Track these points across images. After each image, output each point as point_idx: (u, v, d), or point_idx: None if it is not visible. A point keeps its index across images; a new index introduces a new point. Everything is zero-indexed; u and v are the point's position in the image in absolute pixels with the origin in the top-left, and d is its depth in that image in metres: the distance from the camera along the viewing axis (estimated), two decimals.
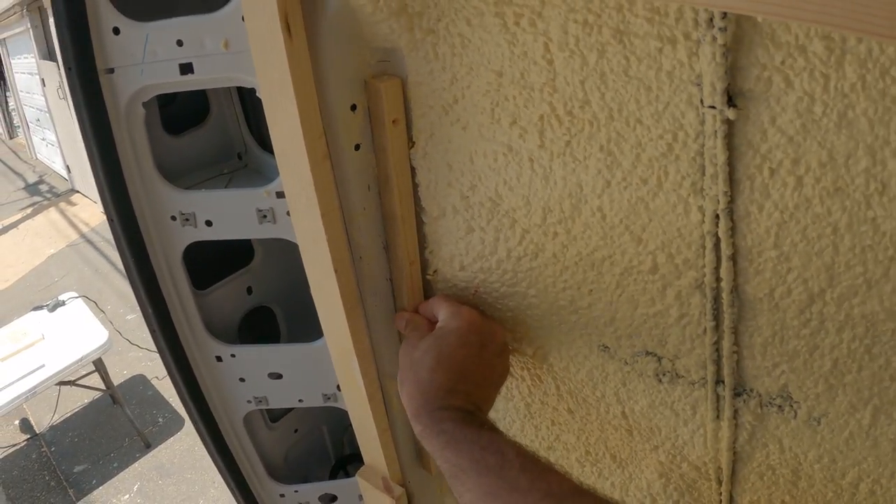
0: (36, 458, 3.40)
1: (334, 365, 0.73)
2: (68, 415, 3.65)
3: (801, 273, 0.47)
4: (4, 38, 7.94)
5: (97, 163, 0.71)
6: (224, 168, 0.92)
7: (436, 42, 0.55)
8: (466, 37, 0.53)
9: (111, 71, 0.68)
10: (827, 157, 0.42)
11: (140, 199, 0.75)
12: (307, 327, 0.91)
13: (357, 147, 0.61)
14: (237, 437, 0.94)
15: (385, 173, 0.62)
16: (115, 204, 0.74)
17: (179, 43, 0.66)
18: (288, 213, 0.72)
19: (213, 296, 0.90)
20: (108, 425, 3.56)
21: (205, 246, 0.78)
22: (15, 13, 6.85)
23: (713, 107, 0.43)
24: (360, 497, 0.88)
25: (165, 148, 0.85)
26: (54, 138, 7.34)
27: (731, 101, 0.43)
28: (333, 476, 1.12)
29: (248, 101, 0.92)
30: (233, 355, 0.85)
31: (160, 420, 3.57)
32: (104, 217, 0.76)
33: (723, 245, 0.49)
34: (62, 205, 6.94)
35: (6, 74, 8.81)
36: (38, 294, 4.92)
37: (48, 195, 7.38)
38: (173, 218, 0.76)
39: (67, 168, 7.26)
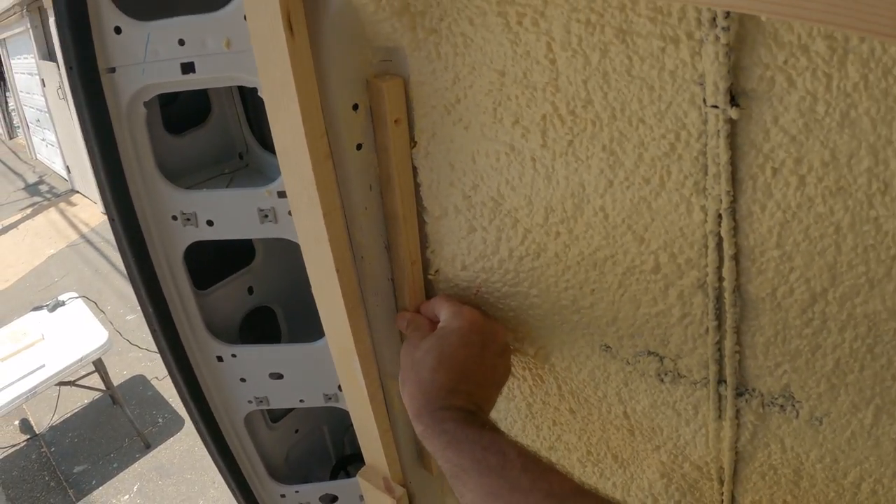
0: (36, 459, 3.40)
1: (335, 365, 0.73)
2: (68, 415, 3.65)
3: (804, 272, 0.47)
4: (4, 39, 7.94)
5: (98, 162, 0.71)
6: (225, 168, 0.92)
7: (438, 41, 0.55)
8: (469, 36, 0.53)
9: (112, 70, 0.68)
10: (829, 157, 0.42)
11: (141, 198, 0.75)
12: (308, 327, 0.91)
13: (359, 146, 0.61)
14: (238, 437, 0.94)
15: (387, 173, 0.62)
16: (117, 203, 0.74)
17: (181, 42, 0.66)
18: (289, 213, 0.72)
19: (214, 296, 0.90)
20: (108, 426, 3.56)
21: (206, 246, 0.78)
22: (15, 13, 6.85)
23: (716, 106, 0.43)
24: (361, 497, 0.88)
25: (167, 147, 0.85)
26: (54, 138, 7.34)
27: (733, 101, 0.43)
28: (334, 476, 1.12)
29: (250, 100, 0.92)
30: (234, 355, 0.85)
31: (160, 420, 3.57)
32: (104, 217, 0.77)
33: (725, 244, 0.49)
34: (62, 205, 6.94)
35: (6, 75, 8.81)
36: (38, 294, 4.92)
37: (48, 195, 7.38)
38: (174, 218, 0.76)
39: (67, 168, 7.26)
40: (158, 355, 0.86)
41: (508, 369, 0.66)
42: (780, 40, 0.39)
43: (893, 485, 0.53)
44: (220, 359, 0.86)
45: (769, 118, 0.42)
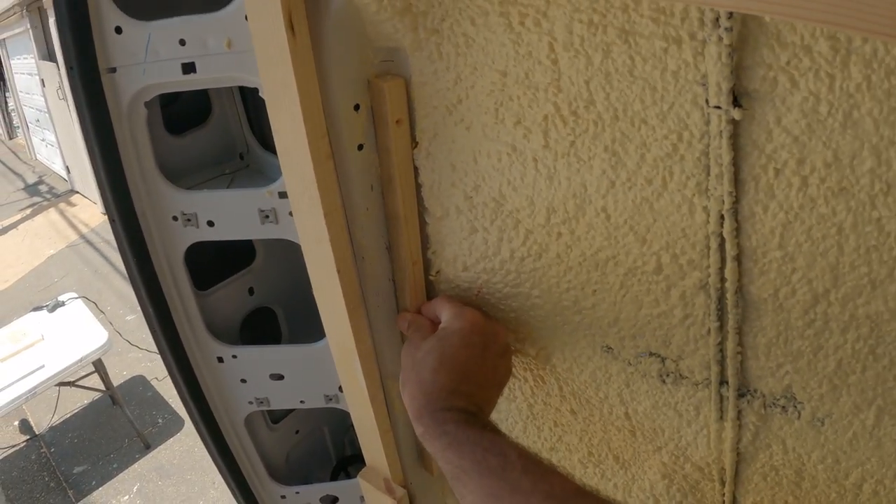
0: (35, 459, 3.40)
1: (336, 365, 0.73)
2: (68, 416, 3.65)
3: (806, 273, 0.47)
4: (4, 39, 7.94)
5: (99, 163, 0.71)
6: (226, 168, 0.92)
7: (440, 42, 0.55)
8: (471, 36, 0.53)
9: (113, 70, 0.68)
10: (832, 158, 0.42)
11: (142, 199, 0.75)
12: (309, 328, 0.90)
13: (360, 147, 0.60)
14: (238, 438, 0.94)
15: (388, 173, 0.62)
16: (117, 204, 0.74)
17: (182, 42, 0.65)
18: (290, 214, 0.72)
19: (214, 296, 0.90)
20: (108, 426, 3.56)
21: (206, 246, 0.78)
22: (15, 13, 6.85)
23: (718, 107, 0.43)
24: (362, 498, 0.88)
25: (167, 148, 0.85)
26: (54, 139, 7.34)
27: (736, 102, 0.42)
28: (334, 477, 1.11)
29: (250, 100, 0.92)
30: (234, 356, 0.85)
31: (160, 421, 3.57)
32: (104, 217, 0.77)
33: (727, 245, 0.49)
34: (62, 205, 6.94)
35: (6, 75, 8.81)
36: (37, 295, 4.91)
37: (48, 196, 7.37)
38: (175, 218, 0.76)
39: (67, 169, 7.26)
40: (158, 356, 0.86)
41: (509, 370, 0.66)
42: (782, 41, 0.39)
43: (895, 486, 0.53)
44: (220, 360, 0.86)
45: (772, 119, 0.42)
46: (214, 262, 0.90)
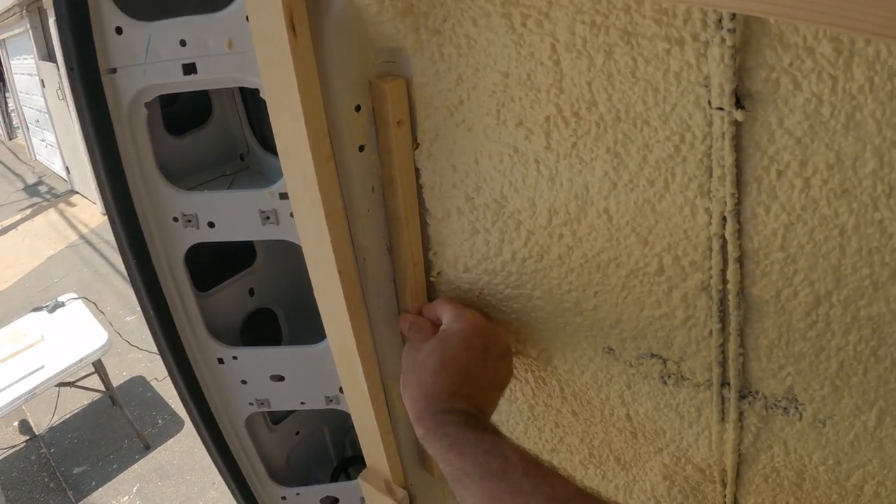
0: (35, 460, 3.40)
1: (337, 366, 0.73)
2: (68, 416, 3.64)
3: (808, 275, 0.47)
4: (4, 39, 7.93)
5: (99, 164, 0.71)
6: (226, 169, 0.92)
7: (441, 43, 0.55)
8: (472, 37, 0.53)
9: (113, 71, 0.68)
10: (834, 159, 0.41)
11: (142, 200, 0.75)
12: (309, 329, 0.90)
13: (361, 148, 0.60)
14: (238, 439, 0.94)
15: (389, 175, 0.62)
16: (117, 205, 0.74)
17: (182, 43, 0.65)
18: (291, 215, 0.72)
19: (214, 297, 0.90)
20: (108, 427, 3.55)
21: (207, 247, 0.78)
22: (14, 14, 6.84)
23: (721, 108, 0.43)
24: (362, 499, 0.88)
25: (168, 149, 0.85)
26: (54, 139, 7.34)
27: (738, 103, 0.42)
28: (335, 478, 1.11)
29: (251, 101, 0.92)
30: (234, 357, 0.85)
31: (160, 422, 3.56)
32: (103, 218, 0.77)
33: (729, 247, 0.49)
34: (61, 206, 6.94)
35: (5, 75, 8.81)
36: (37, 295, 4.91)
37: (47, 196, 7.37)
38: (175, 219, 0.76)
39: (67, 169, 7.26)
40: (158, 356, 0.86)
41: (510, 372, 0.66)
42: (785, 42, 0.39)
43: None
44: (220, 361, 0.86)
45: (774, 120, 0.42)
46: (215, 262, 0.89)
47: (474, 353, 0.61)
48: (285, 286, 1.00)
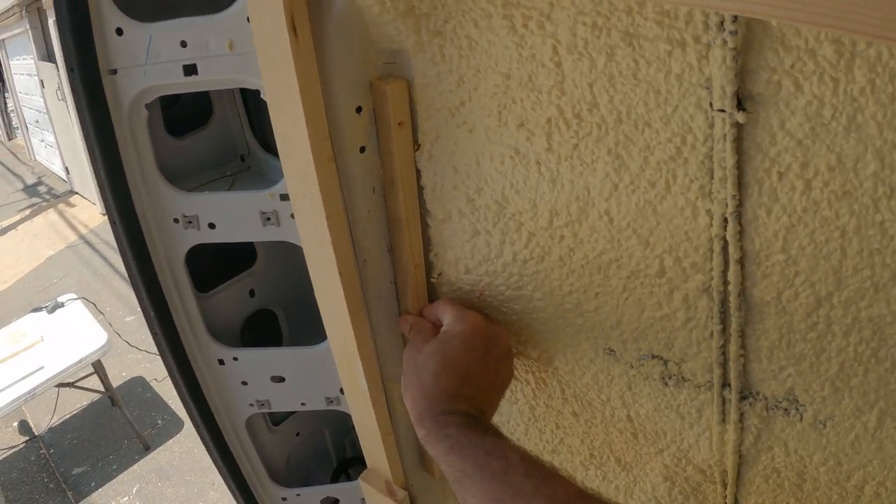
0: (35, 460, 3.39)
1: (338, 368, 0.73)
2: (67, 417, 3.64)
3: (809, 276, 0.47)
4: (3, 40, 7.93)
5: (99, 165, 0.71)
6: (227, 170, 0.92)
7: (443, 44, 0.55)
8: (474, 39, 0.53)
9: (114, 72, 0.68)
10: (836, 161, 0.42)
11: (142, 201, 0.75)
12: (310, 330, 0.90)
13: (362, 149, 0.60)
14: (239, 440, 0.94)
15: (390, 176, 0.62)
16: (118, 206, 0.74)
17: (183, 44, 0.65)
18: (292, 216, 0.72)
19: (215, 298, 0.90)
20: (107, 427, 3.55)
21: (207, 248, 0.78)
22: (14, 14, 6.84)
23: (722, 110, 0.43)
24: (363, 500, 0.87)
25: (168, 150, 0.85)
26: (53, 140, 7.33)
27: (740, 105, 0.42)
28: (335, 479, 1.11)
29: (251, 102, 0.92)
30: (235, 358, 0.85)
31: (159, 422, 3.56)
32: (103, 218, 0.76)
33: (730, 248, 0.49)
34: (61, 206, 6.94)
35: (5, 76, 8.80)
36: (36, 296, 4.91)
37: (47, 197, 7.37)
38: (176, 220, 0.76)
39: (66, 169, 7.25)
40: (158, 357, 0.86)
41: (511, 374, 0.66)
42: (787, 44, 0.39)
43: None
44: (221, 362, 0.86)
45: (776, 122, 0.42)
46: (215, 263, 0.89)
47: (475, 355, 0.61)
48: (286, 287, 1.00)
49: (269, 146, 0.92)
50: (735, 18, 0.39)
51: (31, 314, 3.37)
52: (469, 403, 0.58)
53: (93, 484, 3.19)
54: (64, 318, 3.30)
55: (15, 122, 9.55)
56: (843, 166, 0.41)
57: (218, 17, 0.64)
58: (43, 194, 7.48)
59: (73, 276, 5.29)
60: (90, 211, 6.56)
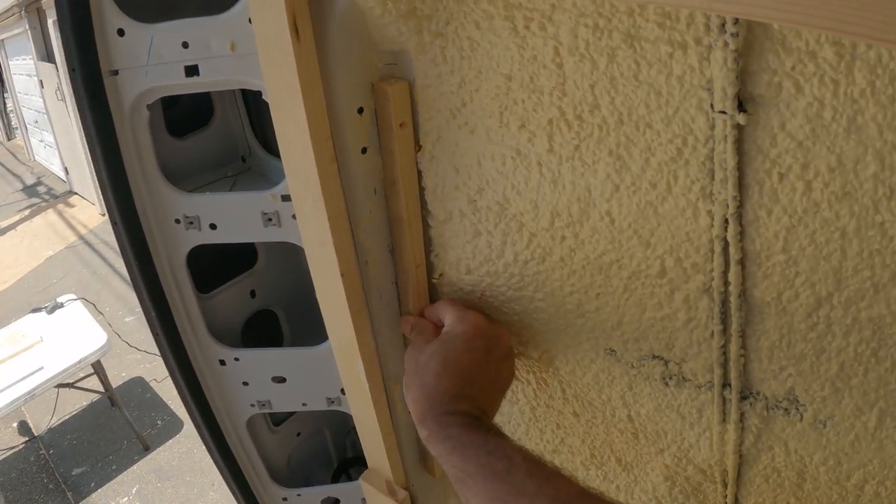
0: (34, 461, 3.39)
1: (339, 368, 0.73)
2: (67, 417, 3.64)
3: (809, 277, 0.47)
4: (3, 40, 7.92)
5: (101, 165, 0.71)
6: (228, 171, 0.92)
7: (444, 45, 0.55)
8: (475, 40, 0.53)
9: (115, 73, 0.68)
10: (836, 162, 0.42)
11: (144, 201, 0.75)
12: (311, 331, 0.91)
13: (364, 150, 0.61)
14: (240, 440, 0.94)
15: (392, 177, 0.62)
16: (119, 207, 0.74)
17: (185, 45, 0.65)
18: (293, 217, 0.72)
19: (216, 299, 0.90)
20: (107, 428, 3.55)
21: (208, 249, 0.78)
22: (13, 14, 6.83)
23: (723, 112, 0.43)
24: (364, 500, 0.88)
25: (169, 150, 0.85)
26: (52, 140, 7.32)
27: (741, 106, 0.43)
28: (336, 479, 1.11)
29: (252, 103, 0.92)
30: (236, 359, 0.85)
31: (159, 423, 3.56)
32: (102, 219, 0.76)
33: (731, 249, 0.49)
34: (60, 206, 6.93)
35: (4, 76, 8.79)
36: (36, 296, 4.90)
37: (46, 197, 7.36)
38: (177, 221, 0.76)
39: (66, 170, 7.24)
40: (157, 357, 0.86)
41: (512, 374, 0.66)
42: (787, 46, 0.39)
43: None
44: (222, 362, 0.86)
45: (776, 124, 0.42)
46: (216, 264, 0.90)
47: (476, 355, 0.61)
48: (286, 288, 1.00)
49: (271, 147, 0.92)
50: (736, 21, 0.40)
51: (31, 315, 3.37)
52: (471, 404, 0.59)
53: (92, 484, 3.19)
54: (63, 319, 3.29)
55: (14, 122, 9.55)
56: (844, 167, 0.42)
57: (220, 18, 0.64)
58: (42, 195, 7.47)
59: (73, 277, 5.29)
60: (89, 211, 6.56)
